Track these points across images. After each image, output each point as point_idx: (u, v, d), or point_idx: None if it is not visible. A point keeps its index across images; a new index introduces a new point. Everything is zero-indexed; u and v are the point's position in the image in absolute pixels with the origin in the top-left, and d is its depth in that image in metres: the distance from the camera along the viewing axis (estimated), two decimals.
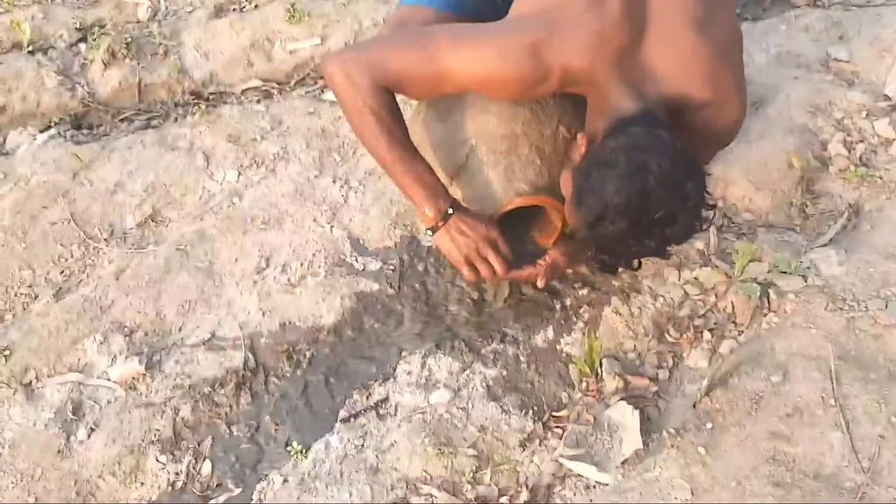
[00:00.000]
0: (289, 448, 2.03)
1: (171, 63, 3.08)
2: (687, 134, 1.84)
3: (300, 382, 2.16)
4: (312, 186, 2.62)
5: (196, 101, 3.01)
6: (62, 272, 2.41)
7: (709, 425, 1.93)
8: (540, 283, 2.13)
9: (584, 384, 2.12)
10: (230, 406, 2.11)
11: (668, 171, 1.70)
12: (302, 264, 2.39)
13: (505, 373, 2.14)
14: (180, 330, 2.27)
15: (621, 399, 2.04)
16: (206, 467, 2.01)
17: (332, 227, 2.49)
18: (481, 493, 1.91)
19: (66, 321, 2.26)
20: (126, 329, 2.25)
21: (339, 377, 2.18)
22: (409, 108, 2.46)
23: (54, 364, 2.18)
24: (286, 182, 2.64)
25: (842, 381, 1.93)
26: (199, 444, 2.05)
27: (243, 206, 2.58)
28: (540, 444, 2.00)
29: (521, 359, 2.18)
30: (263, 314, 2.29)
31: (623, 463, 1.92)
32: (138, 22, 3.26)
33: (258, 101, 2.98)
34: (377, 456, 1.98)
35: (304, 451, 2.02)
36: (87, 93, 3.00)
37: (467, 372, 2.14)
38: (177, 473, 1.99)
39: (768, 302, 2.19)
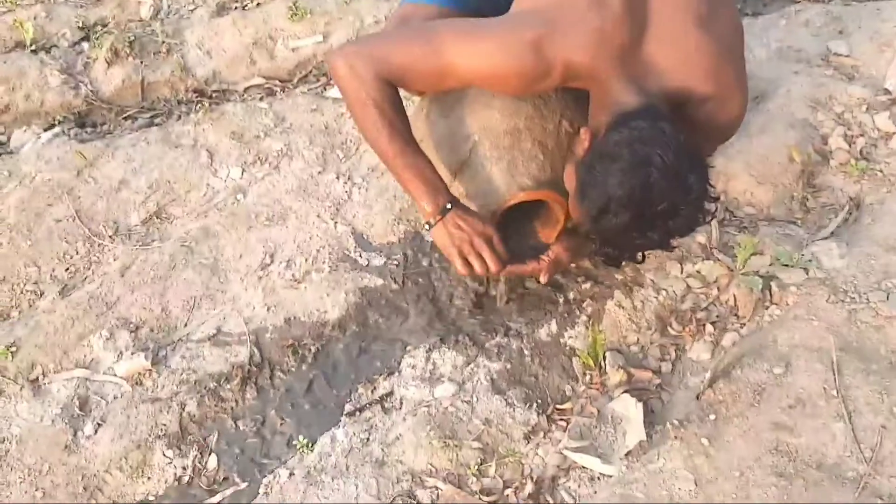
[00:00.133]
0: (294, 442, 2.04)
1: (174, 61, 3.09)
2: (689, 128, 1.84)
3: (305, 377, 2.18)
4: (316, 183, 2.63)
5: (199, 98, 3.03)
6: (67, 269, 2.42)
7: (712, 417, 1.94)
8: (542, 279, 2.14)
9: (587, 377, 2.13)
10: (236, 401, 2.13)
11: (672, 163, 1.71)
12: (306, 260, 2.41)
13: (509, 366, 2.15)
14: (186, 325, 2.28)
15: (625, 391, 2.05)
16: (213, 462, 2.02)
17: (335, 222, 2.51)
18: (486, 485, 1.92)
19: (72, 317, 2.27)
20: (132, 325, 2.27)
21: (343, 371, 2.19)
22: (411, 104, 2.48)
23: (61, 360, 2.20)
24: (290, 178, 2.65)
25: (843, 373, 1.94)
26: (205, 439, 2.06)
27: (247, 202, 2.59)
28: (544, 437, 2.01)
29: (525, 352, 2.19)
30: (268, 309, 2.30)
31: (627, 455, 1.93)
32: (141, 20, 3.28)
33: (261, 99, 3.00)
34: (383, 449, 2.00)
35: (309, 445, 2.03)
36: (91, 91, 3.01)
37: (471, 365, 2.15)
38: (183, 468, 2.01)
39: (770, 294, 2.20)
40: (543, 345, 2.22)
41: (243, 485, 1.98)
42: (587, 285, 2.33)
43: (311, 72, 3.12)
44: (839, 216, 2.43)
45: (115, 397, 2.13)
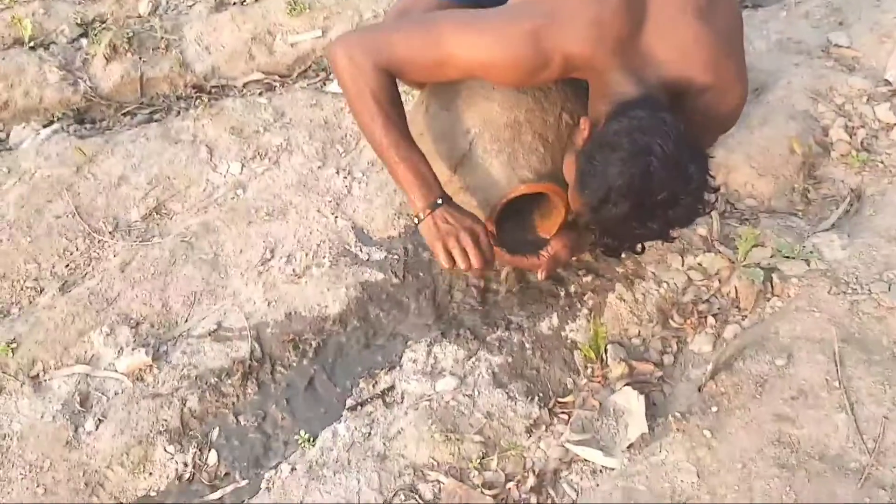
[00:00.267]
0: (296, 437, 2.04)
1: (172, 57, 3.09)
2: (688, 118, 1.84)
3: (306, 372, 2.17)
4: (316, 177, 2.63)
5: (198, 94, 3.03)
6: (67, 265, 2.42)
7: (714, 409, 1.94)
8: (541, 276, 2.12)
9: (589, 370, 2.13)
10: (237, 396, 2.12)
11: (672, 153, 1.70)
12: (307, 255, 2.40)
13: (510, 360, 2.15)
14: (186, 321, 2.28)
15: (626, 384, 2.05)
16: (214, 457, 2.02)
17: (336, 217, 2.50)
18: (488, 478, 1.92)
19: (73, 314, 2.27)
20: (132, 321, 2.26)
21: (345, 366, 2.19)
22: (411, 98, 2.48)
23: (61, 356, 2.19)
24: (290, 173, 2.65)
25: (845, 364, 1.93)
26: (206, 435, 2.06)
27: (247, 197, 2.58)
28: (546, 430, 2.01)
29: (527, 346, 2.19)
30: (269, 304, 2.30)
31: (629, 447, 1.93)
32: (139, 16, 3.28)
33: (260, 94, 2.99)
34: (384, 443, 1.99)
35: (311, 440, 2.03)
36: (90, 87, 3.01)
37: (473, 359, 2.15)
38: (185, 464, 2.00)
39: (772, 286, 2.20)
40: (545, 338, 2.21)
41: (245, 480, 1.98)
42: (588, 278, 2.32)
43: (310, 66, 3.12)
44: (840, 207, 2.42)
45: (115, 393, 2.13)
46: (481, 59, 1.88)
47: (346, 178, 2.61)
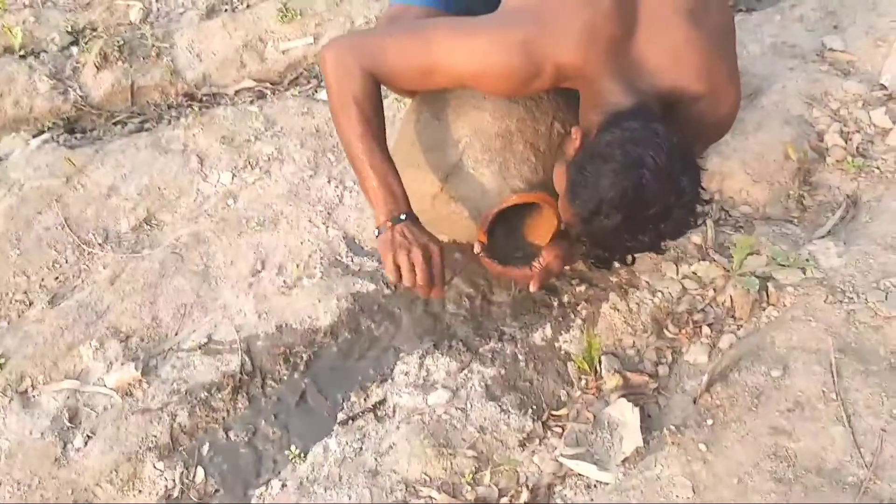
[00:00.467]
0: (287, 452, 2.02)
1: (163, 65, 3.07)
2: (682, 127, 1.82)
3: (297, 385, 2.15)
4: (307, 187, 2.61)
5: (189, 102, 3.01)
6: (57, 278, 2.39)
7: (709, 421, 1.92)
8: (532, 288, 2.09)
9: (583, 382, 2.11)
10: (227, 411, 2.10)
11: (664, 165, 1.68)
12: (298, 266, 2.38)
13: (503, 372, 2.13)
14: (176, 334, 2.26)
15: (621, 396, 2.02)
16: (204, 473, 2.00)
17: (327, 227, 2.48)
18: (481, 494, 1.90)
19: (62, 327, 2.25)
20: (122, 334, 2.24)
21: (336, 379, 2.16)
22: (403, 106, 2.46)
23: (50, 371, 2.17)
24: (281, 183, 2.63)
25: (842, 375, 1.91)
26: (196, 450, 2.04)
27: (238, 207, 2.56)
28: (540, 444, 1.99)
29: (520, 357, 2.17)
30: (260, 317, 2.28)
31: (624, 461, 1.90)
32: (130, 24, 3.25)
33: (251, 102, 2.97)
34: (376, 458, 1.97)
35: (302, 455, 2.01)
36: (80, 96, 2.99)
37: (465, 371, 2.12)
38: (174, 480, 1.98)
39: (767, 295, 2.18)
40: (538, 349, 2.19)
41: (235, 497, 1.96)
42: (581, 288, 2.30)
43: (301, 74, 3.10)
44: (836, 214, 2.40)
45: (105, 409, 2.10)
46: (471, 68, 1.87)
47: (337, 187, 2.59)
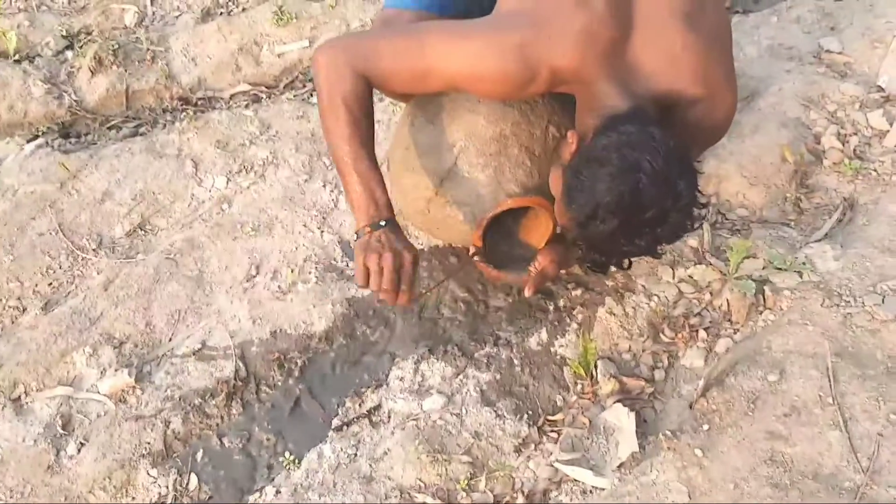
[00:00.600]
0: (281, 458, 2.01)
1: (158, 69, 3.06)
2: (678, 130, 1.81)
3: (292, 391, 2.14)
4: (302, 191, 2.60)
5: (184, 106, 2.99)
6: (50, 284, 2.38)
7: (705, 426, 1.91)
8: (528, 292, 2.07)
9: (579, 386, 2.10)
10: (221, 417, 2.09)
11: (661, 169, 1.67)
12: (293, 270, 2.37)
13: (499, 377, 2.12)
14: (170, 340, 2.24)
15: (617, 401, 2.02)
16: (197, 480, 1.99)
17: (322, 231, 2.47)
18: (476, 500, 1.89)
19: (55, 334, 2.23)
20: (115, 340, 2.23)
21: (331, 385, 2.15)
22: (398, 109, 2.45)
23: (43, 378, 2.16)
24: (276, 187, 2.61)
25: (839, 379, 1.90)
26: (190, 457, 2.02)
27: (233, 212, 2.55)
28: (535, 449, 1.98)
29: (515, 362, 2.16)
30: (254, 322, 2.26)
31: (619, 466, 1.90)
32: (125, 28, 3.24)
33: (247, 106, 2.96)
34: (370, 464, 1.96)
35: (296, 462, 2.00)
36: (75, 101, 2.97)
37: (460, 377, 2.11)
38: (168, 487, 1.97)
39: (764, 299, 2.17)
40: (533, 354, 2.18)
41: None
42: (578, 292, 2.29)
43: (297, 77, 3.09)
44: (833, 217, 2.39)
45: (98, 415, 2.09)
46: (467, 72, 1.86)
47: (332, 191, 2.58)
